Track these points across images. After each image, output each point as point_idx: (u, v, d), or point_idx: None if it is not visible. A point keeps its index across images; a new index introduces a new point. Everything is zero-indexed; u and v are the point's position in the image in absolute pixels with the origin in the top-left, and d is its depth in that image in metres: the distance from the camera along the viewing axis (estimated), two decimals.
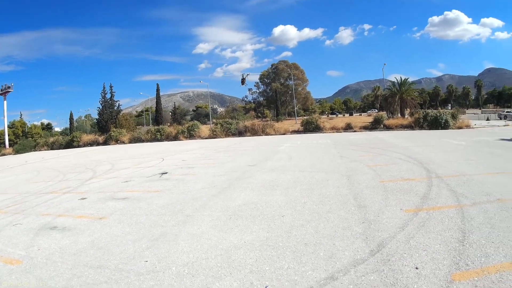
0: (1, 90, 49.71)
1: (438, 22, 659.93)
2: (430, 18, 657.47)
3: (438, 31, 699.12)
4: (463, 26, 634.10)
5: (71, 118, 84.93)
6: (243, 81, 64.18)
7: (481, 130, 25.61)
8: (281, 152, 16.59)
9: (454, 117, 29.74)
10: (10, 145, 49.42)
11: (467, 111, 76.23)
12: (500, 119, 46.55)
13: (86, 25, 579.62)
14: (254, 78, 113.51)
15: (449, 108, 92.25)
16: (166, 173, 12.06)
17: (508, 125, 31.08)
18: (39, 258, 4.67)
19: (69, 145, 40.03)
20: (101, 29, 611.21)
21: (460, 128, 28.33)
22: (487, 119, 44.48)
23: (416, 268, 3.63)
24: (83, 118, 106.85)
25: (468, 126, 28.89)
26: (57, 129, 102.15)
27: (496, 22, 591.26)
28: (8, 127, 55.73)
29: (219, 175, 10.60)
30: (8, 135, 52.59)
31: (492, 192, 6.51)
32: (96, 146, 38.72)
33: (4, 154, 39.98)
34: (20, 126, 68.70)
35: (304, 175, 9.72)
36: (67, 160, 22.10)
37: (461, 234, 4.45)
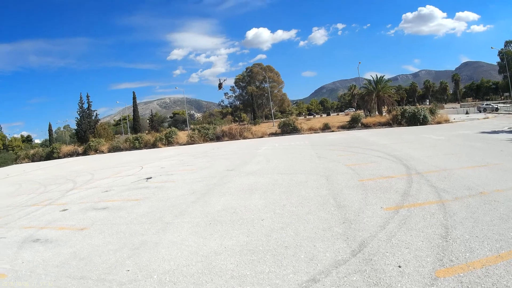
0: None
1: (412, 18, 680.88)
2: (404, 15, 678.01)
3: (412, 27, 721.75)
4: (438, 21, 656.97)
5: (50, 130, 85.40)
6: (220, 85, 64.47)
7: (461, 124, 26.52)
8: (259, 155, 16.66)
9: (432, 112, 30.63)
10: None
11: (445, 105, 78.68)
12: (480, 112, 48.10)
13: (59, 35, 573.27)
14: (229, 82, 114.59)
15: (427, 103, 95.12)
16: (145, 180, 12.08)
17: (488, 118, 32.24)
18: (23, 271, 4.79)
19: (49, 156, 41.07)
20: (73, 39, 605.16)
21: (439, 123, 29.24)
22: (467, 113, 45.92)
23: (399, 266, 3.67)
24: (62, 129, 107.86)
25: (447, 121, 29.85)
26: (37, 141, 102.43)
27: (472, 16, 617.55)
28: None
29: (197, 181, 10.62)
30: None
31: (474, 186, 6.71)
32: (76, 156, 39.41)
33: None
34: (1, 139, 68.12)
35: (282, 177, 9.76)
36: (48, 172, 22.24)
37: (444, 230, 4.55)
